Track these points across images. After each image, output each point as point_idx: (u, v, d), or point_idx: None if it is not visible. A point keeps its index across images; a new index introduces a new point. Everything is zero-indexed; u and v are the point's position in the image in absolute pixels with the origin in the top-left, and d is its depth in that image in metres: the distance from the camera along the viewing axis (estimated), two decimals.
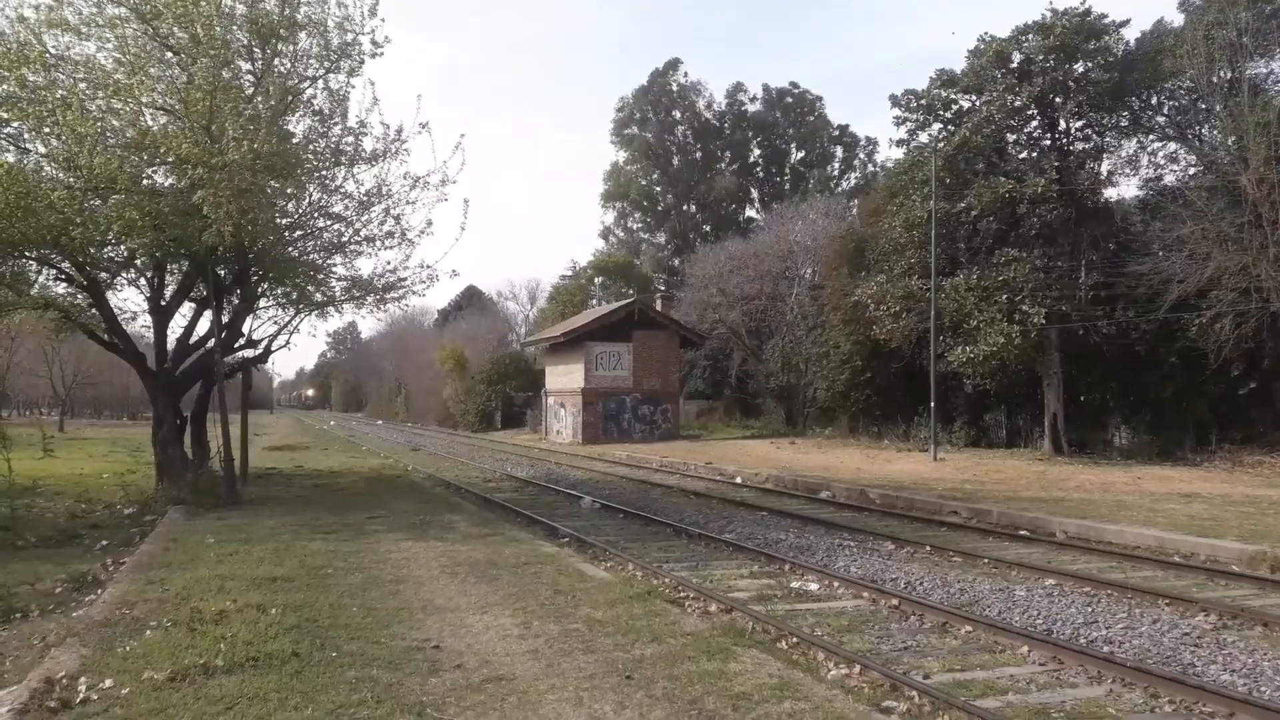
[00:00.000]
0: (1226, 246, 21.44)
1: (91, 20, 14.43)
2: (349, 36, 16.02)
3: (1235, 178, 21.34)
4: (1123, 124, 26.92)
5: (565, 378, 41.87)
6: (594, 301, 58.68)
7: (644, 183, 71.99)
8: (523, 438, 45.34)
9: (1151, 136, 26.85)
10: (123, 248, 16.34)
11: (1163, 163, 26.82)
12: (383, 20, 16.08)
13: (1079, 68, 25.97)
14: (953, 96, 28.43)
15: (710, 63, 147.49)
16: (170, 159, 13.93)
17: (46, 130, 13.33)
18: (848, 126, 72.50)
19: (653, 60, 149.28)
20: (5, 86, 13.49)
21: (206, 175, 13.24)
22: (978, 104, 27.51)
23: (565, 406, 41.72)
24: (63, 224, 13.39)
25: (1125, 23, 26.14)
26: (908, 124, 29.61)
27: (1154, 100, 26.45)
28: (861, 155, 71.99)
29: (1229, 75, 22.44)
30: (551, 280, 73.09)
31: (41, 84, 13.33)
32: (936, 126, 28.88)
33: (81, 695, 5.52)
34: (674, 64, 71.94)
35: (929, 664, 7.12)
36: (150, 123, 14.59)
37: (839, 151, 72.88)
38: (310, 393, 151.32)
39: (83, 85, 13.79)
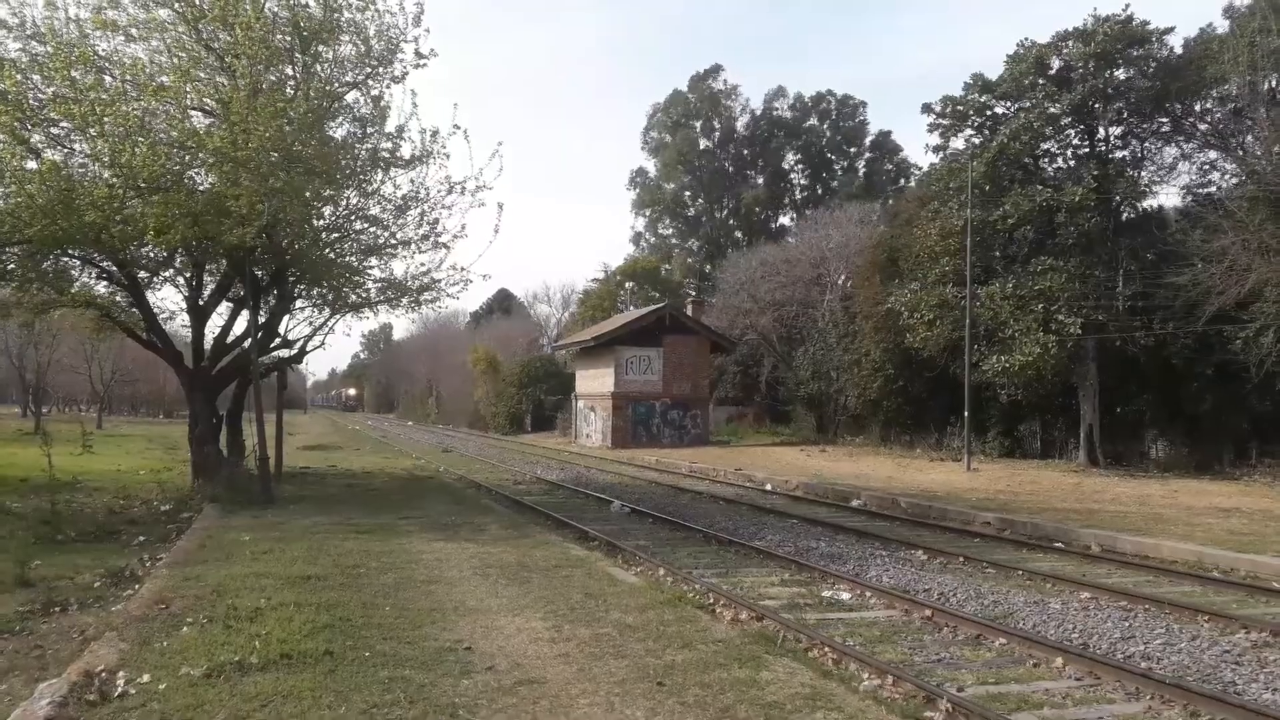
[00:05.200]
0: (1268, 258, 21.04)
1: (139, 23, 14.66)
2: (390, 44, 16.18)
3: (1277, 188, 20.95)
4: (1164, 131, 26.55)
5: (595, 382, 41.90)
6: (624, 305, 58.68)
7: (674, 188, 71.97)
8: (552, 441, 45.44)
9: (1192, 145, 26.45)
10: (161, 246, 16.57)
11: (1204, 171, 26.47)
12: (427, 31, 16.24)
13: (1120, 75, 25.64)
14: (989, 102, 28.21)
15: (744, 70, 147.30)
16: (210, 160, 14.13)
17: (92, 130, 13.56)
18: (890, 134, 72.18)
19: (685, 69, 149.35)
20: (54, 87, 13.73)
21: (234, 171, 13.40)
22: (1015, 110, 27.26)
23: (595, 410, 41.76)
24: (103, 221, 13.60)
25: (1169, 30, 25.78)
26: (941, 128, 29.42)
27: (1196, 108, 26.06)
28: (895, 163, 71.50)
29: (1274, 83, 22.06)
30: (585, 284, 73.39)
31: (89, 85, 13.56)
32: (969, 131, 28.65)
33: (120, 689, 5.59)
34: (715, 70, 71.86)
35: (963, 676, 7.05)
36: (192, 124, 14.80)
37: (878, 158, 72.38)
38: (351, 392, 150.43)
39: (128, 86, 14.00)
